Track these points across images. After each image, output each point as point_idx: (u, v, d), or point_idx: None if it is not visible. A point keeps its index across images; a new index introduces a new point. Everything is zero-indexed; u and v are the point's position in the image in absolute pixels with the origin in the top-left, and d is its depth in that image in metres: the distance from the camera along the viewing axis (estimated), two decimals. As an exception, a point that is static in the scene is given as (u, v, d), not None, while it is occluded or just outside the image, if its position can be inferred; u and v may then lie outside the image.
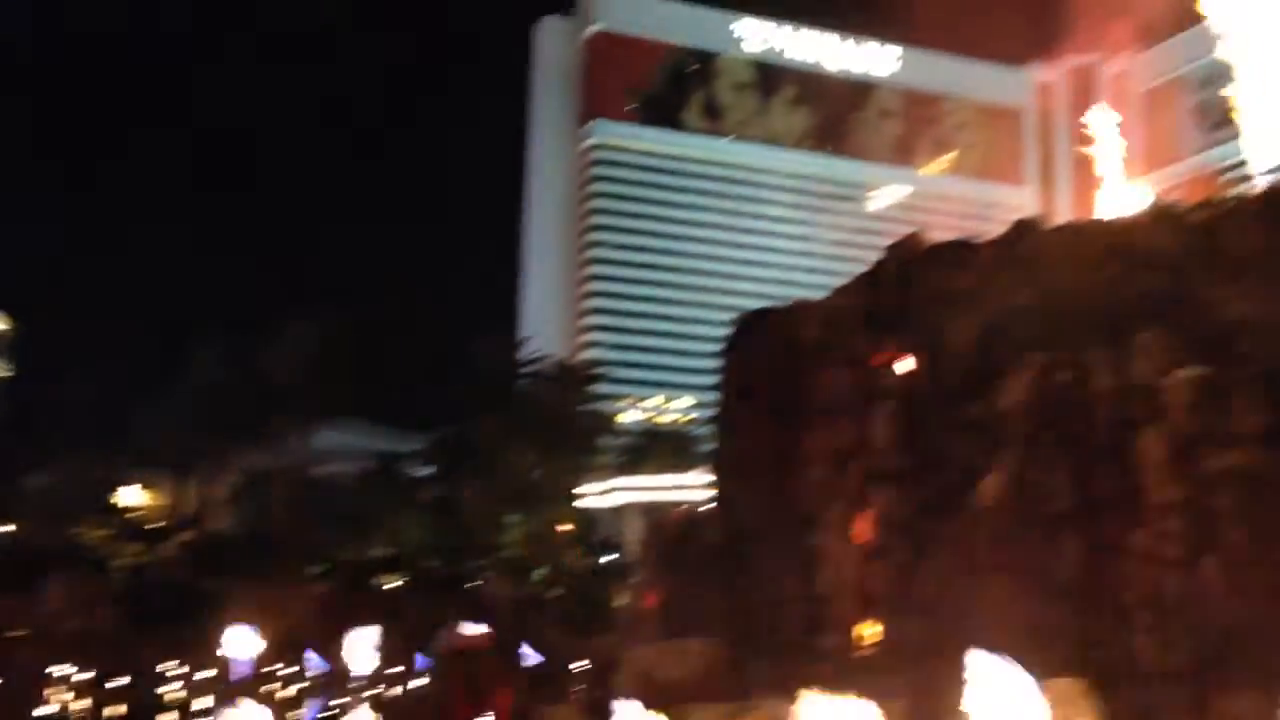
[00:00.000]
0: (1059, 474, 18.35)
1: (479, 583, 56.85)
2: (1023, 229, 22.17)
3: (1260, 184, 23.37)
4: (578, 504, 70.65)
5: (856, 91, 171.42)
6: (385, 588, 56.54)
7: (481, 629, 34.37)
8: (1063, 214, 24.06)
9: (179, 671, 43.27)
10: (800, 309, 26.58)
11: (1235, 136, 27.29)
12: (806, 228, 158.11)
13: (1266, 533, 16.94)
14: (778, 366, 24.87)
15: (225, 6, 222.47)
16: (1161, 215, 20.72)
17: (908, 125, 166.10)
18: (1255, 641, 16.39)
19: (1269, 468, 17.17)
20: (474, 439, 67.83)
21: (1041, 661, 12.71)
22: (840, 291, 26.50)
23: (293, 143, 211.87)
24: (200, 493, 71.78)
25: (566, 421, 71.27)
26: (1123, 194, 27.19)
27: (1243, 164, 26.32)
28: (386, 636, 34.93)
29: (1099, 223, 21.66)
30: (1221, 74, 28.34)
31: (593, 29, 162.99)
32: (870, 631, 20.76)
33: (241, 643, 37.43)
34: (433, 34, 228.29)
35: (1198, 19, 29.18)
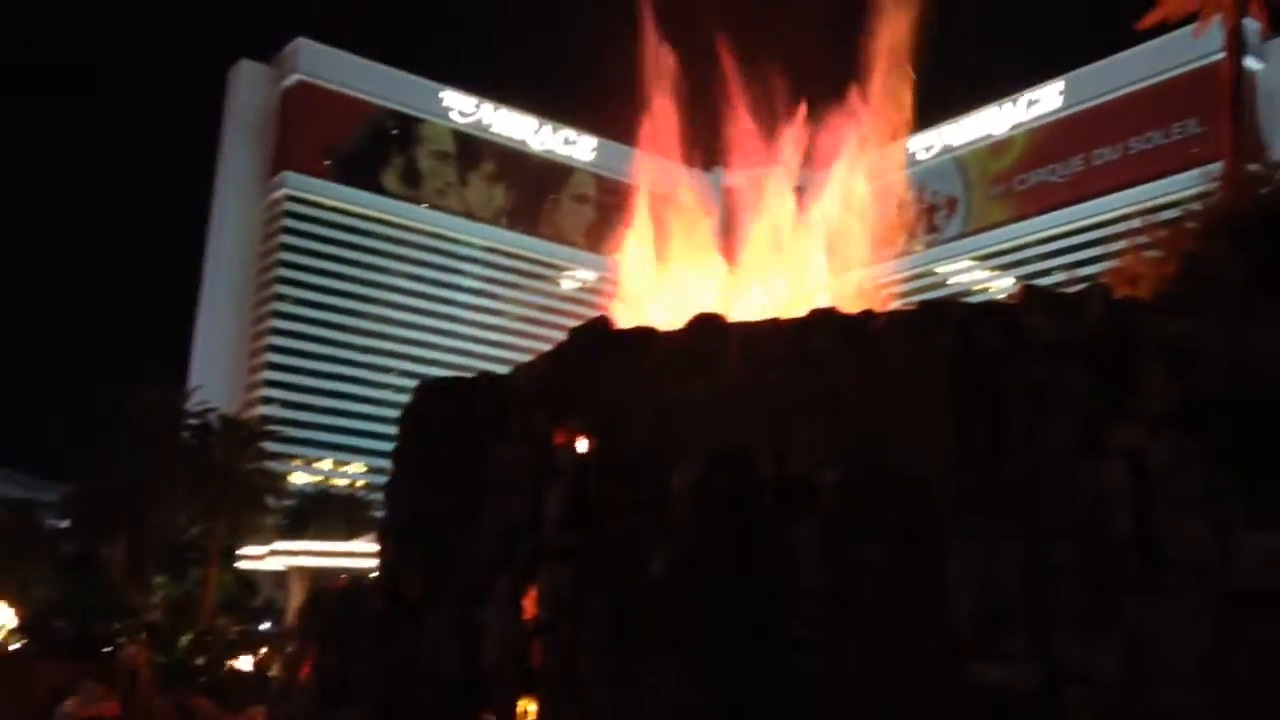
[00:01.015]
0: (721, 559, 19.09)
1: (113, 648, 52.80)
2: (700, 322, 23.13)
3: (916, 299, 25.45)
4: (236, 566, 67.18)
5: (554, 174, 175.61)
6: (10, 649, 51.60)
7: (112, 698, 31.91)
8: (740, 311, 25.41)
9: None
10: (483, 382, 26.63)
11: (896, 255, 29.84)
12: (496, 301, 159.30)
13: (905, 621, 18.28)
14: (456, 438, 24.72)
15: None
16: (827, 321, 22.13)
17: (600, 212, 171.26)
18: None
19: (907, 560, 18.57)
20: (123, 491, 63.34)
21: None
22: (524, 367, 26.77)
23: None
24: None
25: (229, 478, 67.78)
26: (795, 297, 28.92)
27: (903, 280, 28.72)
28: (4, 704, 31.78)
29: (771, 322, 22.91)
30: (884, 199, 30.96)
31: (292, 79, 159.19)
32: (531, 709, 20.73)
33: None
34: (123, 67, 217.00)
35: (868, 148, 31.74)
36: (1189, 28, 43.28)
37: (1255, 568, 17.73)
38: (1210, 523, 18.13)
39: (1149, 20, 42.33)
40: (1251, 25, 42.07)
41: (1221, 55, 41.49)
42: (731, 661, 18.31)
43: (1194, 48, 75.06)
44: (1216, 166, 39.06)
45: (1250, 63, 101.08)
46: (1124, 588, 18.08)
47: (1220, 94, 41.64)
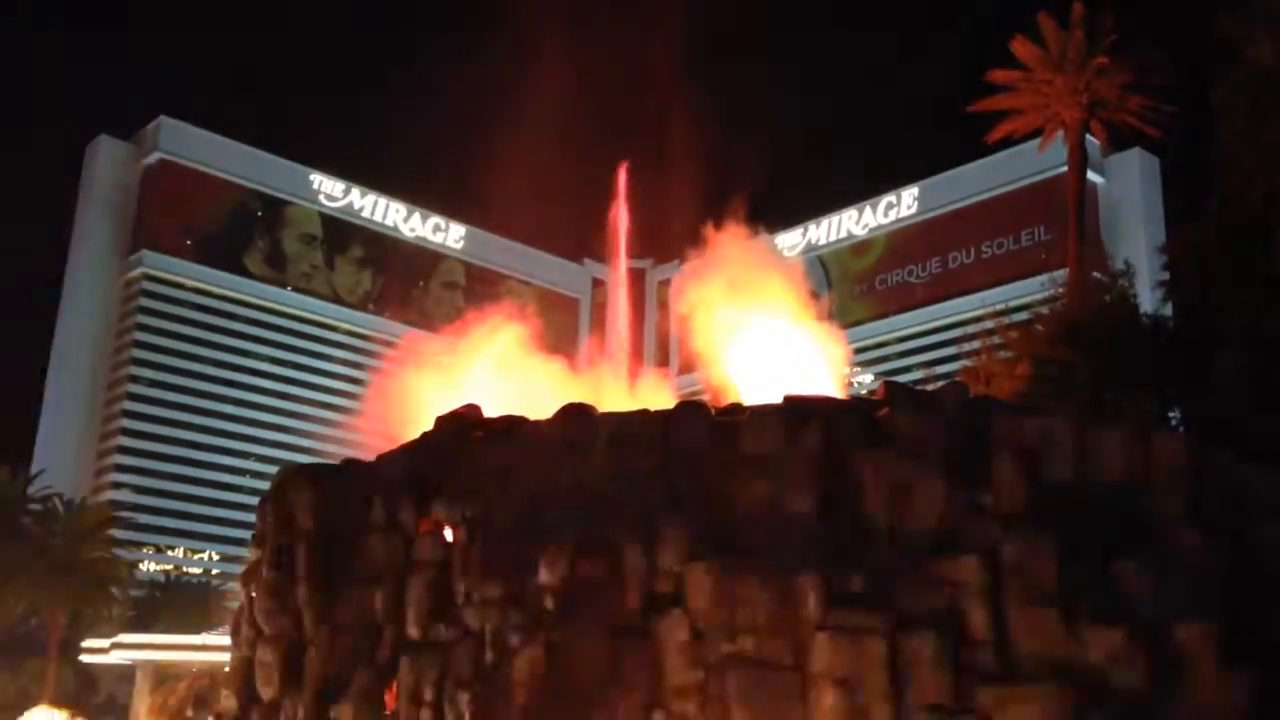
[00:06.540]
0: (590, 653, 18.91)
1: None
2: (570, 413, 23.15)
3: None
4: (77, 659, 63.91)
5: (423, 260, 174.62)
6: None
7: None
8: (609, 403, 25.51)
9: None
10: (346, 468, 26.11)
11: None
12: (361, 387, 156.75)
13: (768, 713, 18.34)
14: (318, 526, 24.13)
15: None
16: (693, 413, 22.37)
17: (470, 299, 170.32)
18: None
19: (773, 655, 18.68)
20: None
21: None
22: (388, 455, 26.35)
23: None
24: None
25: (71, 566, 64.86)
26: (661, 389, 29.21)
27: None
28: None
29: (638, 414, 23.04)
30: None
31: (154, 157, 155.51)
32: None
33: None
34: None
35: (734, 243, 32.47)
36: (1037, 141, 45.59)
37: (1102, 662, 18.34)
38: (1060, 616, 18.72)
39: (998, 133, 44.49)
40: (1092, 142, 44.56)
41: (1065, 169, 43.84)
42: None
43: (1041, 160, 78.89)
44: (1063, 273, 41.09)
45: (1092, 176, 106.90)
46: (979, 680, 18.47)
47: (1065, 205, 43.96)
